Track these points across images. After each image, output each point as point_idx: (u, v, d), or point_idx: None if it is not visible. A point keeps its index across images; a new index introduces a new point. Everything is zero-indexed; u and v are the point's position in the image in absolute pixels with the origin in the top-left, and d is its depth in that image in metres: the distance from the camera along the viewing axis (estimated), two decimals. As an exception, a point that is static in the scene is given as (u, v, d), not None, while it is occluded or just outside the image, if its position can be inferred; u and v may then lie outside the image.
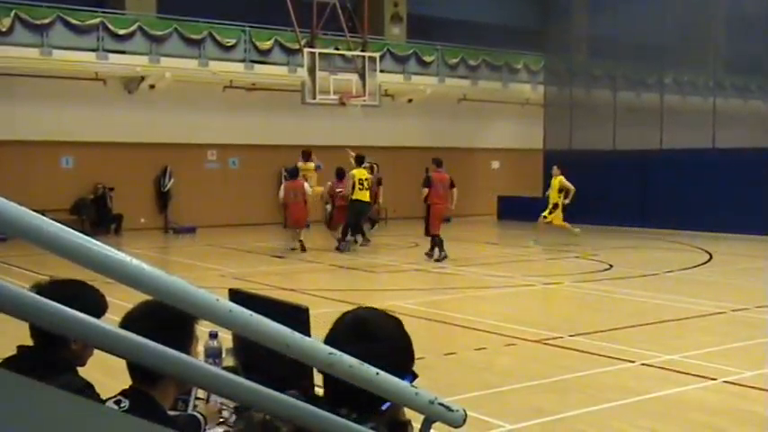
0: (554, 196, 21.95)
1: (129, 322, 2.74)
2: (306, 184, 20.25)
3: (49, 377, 2.81)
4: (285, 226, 22.32)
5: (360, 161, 20.47)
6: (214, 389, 1.97)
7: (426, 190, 18.67)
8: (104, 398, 2.88)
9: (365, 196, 20.02)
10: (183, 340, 2.79)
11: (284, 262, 18.22)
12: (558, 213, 21.97)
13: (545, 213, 21.95)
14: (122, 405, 2.70)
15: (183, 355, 1.85)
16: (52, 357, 3.13)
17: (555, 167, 22.18)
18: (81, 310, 1.68)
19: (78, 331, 1.71)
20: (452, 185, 18.82)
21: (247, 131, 27.15)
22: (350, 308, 2.47)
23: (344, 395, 2.20)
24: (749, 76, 28.44)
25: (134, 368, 2.77)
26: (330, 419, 2.06)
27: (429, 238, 18.65)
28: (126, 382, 2.90)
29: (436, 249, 18.34)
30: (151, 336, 1.80)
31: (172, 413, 3.03)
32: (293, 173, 20.51)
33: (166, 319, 2.56)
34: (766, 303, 12.74)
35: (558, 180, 21.86)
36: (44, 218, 1.52)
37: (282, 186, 20.59)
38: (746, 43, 26.59)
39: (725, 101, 27.09)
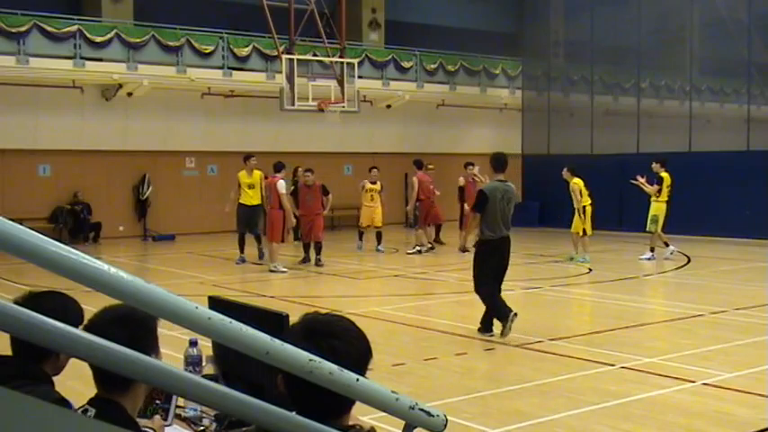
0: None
1: (95, 328, 2.67)
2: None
3: (25, 387, 2.79)
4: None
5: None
6: (194, 397, 1.96)
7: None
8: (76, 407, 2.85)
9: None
10: (150, 345, 2.78)
11: (263, 269, 18.15)
12: None
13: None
14: (88, 414, 2.68)
15: (164, 364, 1.84)
16: (34, 369, 3.09)
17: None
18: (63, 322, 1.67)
19: (57, 341, 1.70)
20: (326, 192, 19.36)
21: (226, 138, 27.04)
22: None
23: (305, 402, 2.15)
24: (725, 80, 28.66)
25: (103, 377, 2.72)
26: (315, 428, 2.05)
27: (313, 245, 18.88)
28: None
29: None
30: (121, 341, 1.79)
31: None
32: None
33: (135, 325, 2.67)
34: (745, 306, 12.82)
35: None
36: (22, 227, 1.51)
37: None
38: (722, 47, 26.82)
39: (701, 104, 27.29)
